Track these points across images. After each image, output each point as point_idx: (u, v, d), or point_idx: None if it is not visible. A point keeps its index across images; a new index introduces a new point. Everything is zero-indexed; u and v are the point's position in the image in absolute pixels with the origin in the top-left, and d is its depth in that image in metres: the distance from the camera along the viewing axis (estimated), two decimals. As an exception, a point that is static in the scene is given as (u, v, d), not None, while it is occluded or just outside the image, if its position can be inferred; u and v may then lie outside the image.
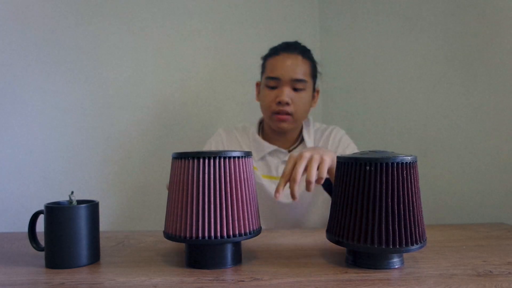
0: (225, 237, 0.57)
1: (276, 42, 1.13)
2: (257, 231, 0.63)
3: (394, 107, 1.38)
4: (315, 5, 1.65)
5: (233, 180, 0.59)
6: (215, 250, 0.60)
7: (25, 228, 0.68)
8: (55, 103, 1.28)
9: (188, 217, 0.58)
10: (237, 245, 0.63)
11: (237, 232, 0.58)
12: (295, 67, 1.02)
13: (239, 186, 0.59)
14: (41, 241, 0.65)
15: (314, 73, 1.09)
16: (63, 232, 0.60)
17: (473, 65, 1.13)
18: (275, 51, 1.07)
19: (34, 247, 0.65)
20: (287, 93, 1.01)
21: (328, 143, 1.11)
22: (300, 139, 1.13)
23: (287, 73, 1.02)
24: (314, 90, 1.11)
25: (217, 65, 1.49)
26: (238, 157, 0.60)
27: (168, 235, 0.61)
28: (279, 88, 1.03)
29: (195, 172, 0.58)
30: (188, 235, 0.57)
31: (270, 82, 1.04)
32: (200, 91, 1.47)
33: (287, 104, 1.02)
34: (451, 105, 1.19)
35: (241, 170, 0.60)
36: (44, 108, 1.27)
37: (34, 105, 1.26)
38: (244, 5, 1.52)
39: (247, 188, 0.61)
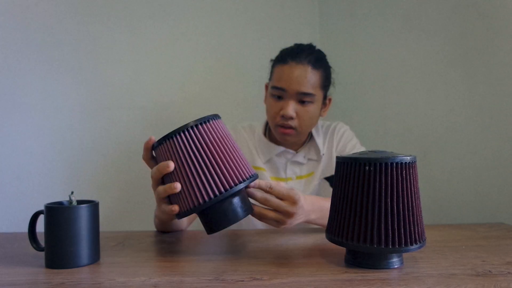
0: (226, 190, 0.61)
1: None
2: (254, 176, 0.67)
3: (394, 107, 1.38)
4: (315, 5, 1.65)
5: (210, 142, 0.63)
6: (223, 207, 0.63)
7: (25, 228, 0.68)
8: (55, 103, 1.28)
9: (188, 189, 0.61)
10: (242, 195, 0.66)
11: (232, 184, 0.62)
12: (303, 79, 0.95)
13: (217, 145, 0.63)
14: (41, 241, 0.65)
15: (325, 83, 1.03)
16: (63, 232, 0.60)
17: (473, 65, 1.13)
18: (283, 58, 0.99)
19: (34, 247, 0.65)
20: (291, 107, 0.96)
21: (333, 138, 1.10)
22: (308, 139, 1.11)
23: (293, 85, 0.96)
24: (326, 98, 1.06)
25: (217, 65, 1.49)
26: (207, 121, 0.65)
27: (179, 214, 0.64)
28: (284, 100, 0.98)
29: (176, 149, 0.63)
30: (194, 205, 0.61)
31: (275, 91, 0.99)
32: (200, 91, 1.47)
33: (291, 118, 0.97)
34: (451, 105, 1.19)
35: (215, 131, 0.65)
36: (44, 108, 1.27)
37: (34, 105, 1.26)
38: (244, 5, 1.52)
39: (225, 145, 0.64)
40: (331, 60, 1.06)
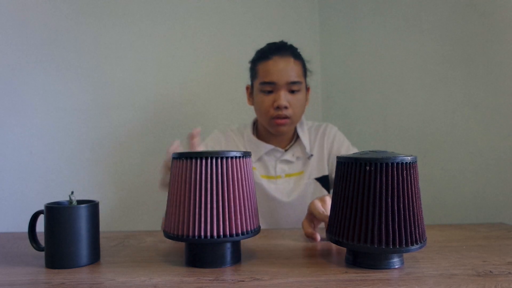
0: (225, 236, 0.58)
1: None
2: (256, 231, 0.63)
3: (394, 107, 1.38)
4: (315, 5, 1.65)
5: (232, 180, 0.59)
6: (214, 249, 0.60)
7: (25, 228, 0.68)
8: (55, 103, 1.28)
9: (188, 216, 0.58)
10: (236, 244, 0.63)
11: (234, 232, 0.59)
12: (289, 70, 1.02)
13: (237, 186, 0.60)
14: (41, 241, 0.65)
15: (305, 73, 1.09)
16: (63, 232, 0.60)
17: (473, 65, 1.13)
18: (265, 55, 1.05)
19: (34, 247, 0.65)
20: (284, 97, 1.01)
21: (324, 140, 1.12)
22: (295, 138, 1.14)
23: (282, 77, 1.01)
24: (306, 88, 1.11)
25: (217, 65, 1.49)
26: (238, 157, 0.61)
27: (168, 235, 0.61)
28: (275, 92, 1.03)
29: (193, 172, 0.58)
30: (187, 234, 0.58)
31: (265, 87, 1.03)
32: (200, 91, 1.47)
33: (285, 108, 1.01)
34: (451, 105, 1.19)
35: (241, 170, 0.61)
36: (44, 108, 1.27)
37: (34, 105, 1.26)
38: (244, 5, 1.52)
39: (246, 188, 0.61)
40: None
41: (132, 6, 1.37)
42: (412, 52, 1.31)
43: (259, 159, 1.11)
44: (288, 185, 1.09)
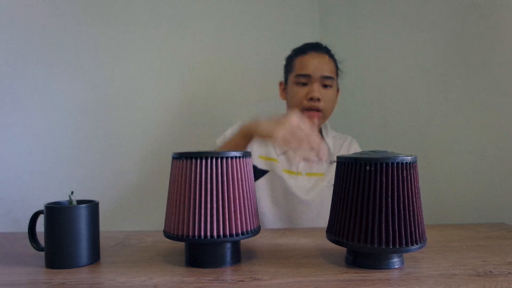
0: (225, 236, 0.58)
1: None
2: (256, 231, 0.63)
3: (394, 107, 1.38)
4: (315, 5, 1.65)
5: (232, 180, 0.59)
6: (214, 249, 0.60)
7: (25, 228, 0.68)
8: (55, 103, 1.28)
9: (188, 216, 0.58)
10: (236, 244, 0.63)
11: (234, 232, 0.59)
12: (324, 64, 1.07)
13: (237, 186, 0.60)
14: (41, 241, 0.65)
15: (337, 72, 1.14)
16: (63, 232, 0.60)
17: (473, 65, 1.13)
18: (302, 51, 1.11)
19: (34, 247, 0.65)
20: (318, 89, 1.05)
21: (349, 151, 1.16)
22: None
23: (317, 70, 1.06)
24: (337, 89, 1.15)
25: (217, 65, 1.49)
26: (238, 157, 0.61)
27: (167, 235, 0.61)
28: (309, 85, 1.07)
29: (193, 172, 0.59)
30: (187, 234, 0.58)
31: (300, 79, 1.08)
32: (200, 91, 1.47)
33: (318, 100, 1.05)
34: (451, 105, 1.19)
35: (241, 170, 0.61)
36: (44, 108, 1.27)
37: (34, 105, 1.26)
38: (244, 5, 1.52)
39: (245, 188, 0.61)
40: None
41: (132, 6, 1.37)
42: (412, 52, 1.31)
43: (284, 153, 1.14)
44: (308, 183, 1.11)
